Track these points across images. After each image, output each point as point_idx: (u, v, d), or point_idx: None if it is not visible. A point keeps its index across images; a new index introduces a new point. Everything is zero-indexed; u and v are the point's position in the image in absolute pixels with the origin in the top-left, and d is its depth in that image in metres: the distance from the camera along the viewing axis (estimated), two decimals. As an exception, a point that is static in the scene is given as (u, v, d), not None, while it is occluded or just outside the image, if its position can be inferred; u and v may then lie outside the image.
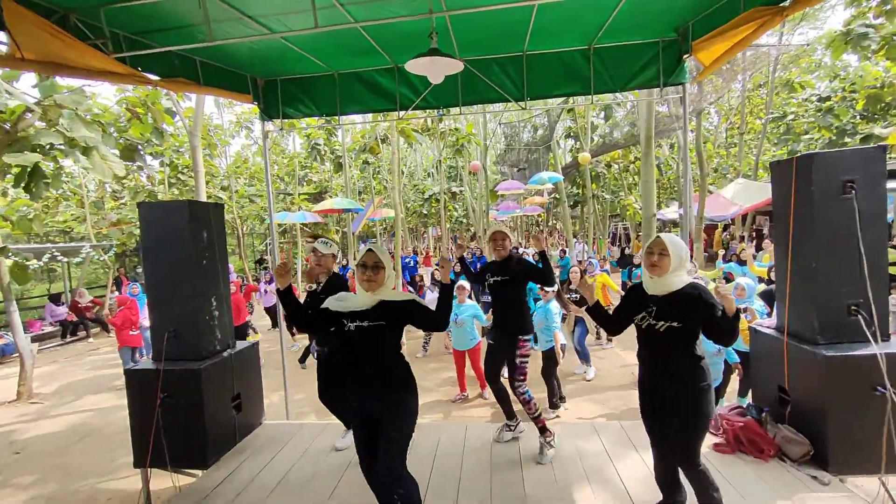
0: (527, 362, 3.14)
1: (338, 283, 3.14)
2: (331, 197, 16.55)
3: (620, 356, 6.83)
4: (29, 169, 3.70)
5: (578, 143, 13.52)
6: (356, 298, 2.17)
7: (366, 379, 2.12)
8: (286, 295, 2.24)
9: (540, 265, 3.05)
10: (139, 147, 5.63)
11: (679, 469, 2.22)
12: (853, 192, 2.72)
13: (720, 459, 2.95)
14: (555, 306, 4.55)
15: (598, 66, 3.91)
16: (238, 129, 14.80)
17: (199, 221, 3.38)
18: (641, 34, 3.77)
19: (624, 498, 2.66)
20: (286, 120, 4.38)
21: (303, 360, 7.09)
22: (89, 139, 3.94)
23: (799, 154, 2.94)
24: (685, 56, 3.73)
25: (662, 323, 2.07)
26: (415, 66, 2.56)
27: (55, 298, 10.95)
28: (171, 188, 12.28)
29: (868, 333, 2.71)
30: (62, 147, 3.94)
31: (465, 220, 17.48)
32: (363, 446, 2.14)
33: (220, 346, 3.56)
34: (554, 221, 27.69)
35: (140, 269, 14.52)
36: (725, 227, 16.22)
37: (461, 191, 12.62)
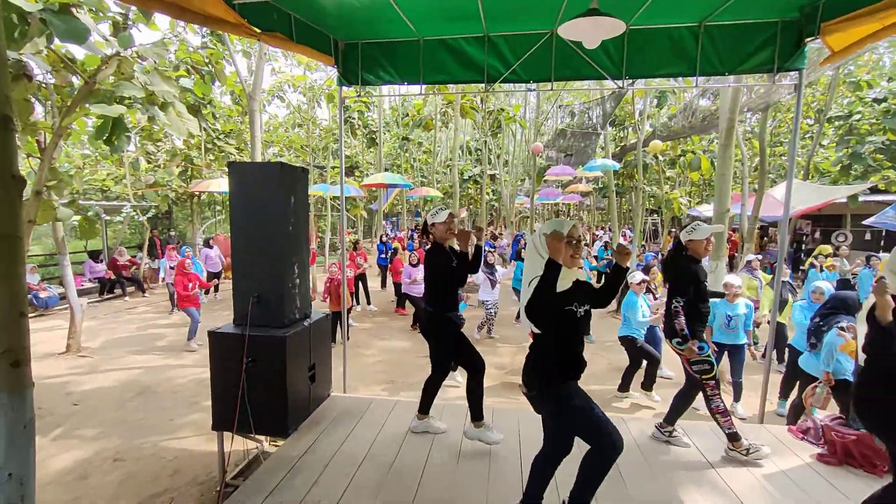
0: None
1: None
2: (362, 172, 16.41)
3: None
4: (112, 121, 3.60)
5: (624, 131, 13.14)
6: (563, 279, 2.04)
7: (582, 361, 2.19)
8: None
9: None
10: (201, 107, 5.49)
11: None
12: None
13: (828, 471, 2.81)
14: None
15: (707, 46, 3.64)
16: (271, 96, 14.59)
17: (288, 185, 3.26)
18: (759, 12, 3.48)
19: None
20: (365, 86, 4.20)
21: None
22: (167, 94, 3.82)
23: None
24: (807, 39, 3.45)
25: None
26: (570, 30, 2.36)
27: (94, 256, 11.07)
28: (207, 153, 12.21)
29: None
30: (141, 102, 3.83)
31: (496, 204, 17.25)
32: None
33: (300, 315, 3.48)
34: (578, 212, 27.29)
35: (172, 233, 14.61)
36: (763, 230, 15.78)
37: (497, 174, 12.35)
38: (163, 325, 8.21)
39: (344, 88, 4.28)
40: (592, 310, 2.22)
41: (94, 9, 3.97)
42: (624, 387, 5.01)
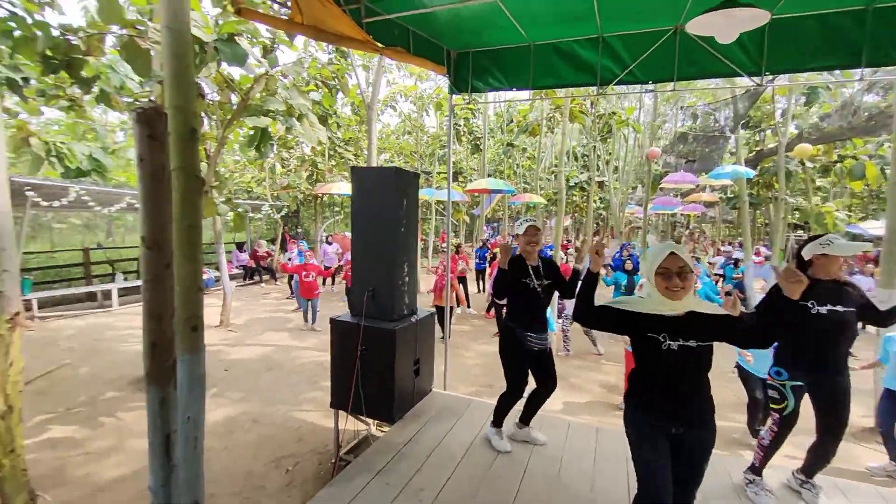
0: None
1: (552, 268, 3.06)
2: (465, 178, 16.86)
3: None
4: (261, 131, 4.32)
5: (760, 134, 11.55)
6: (651, 302, 1.88)
7: (683, 403, 1.87)
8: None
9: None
10: (326, 117, 6.22)
11: None
12: None
13: None
14: None
15: (879, 31, 3.08)
16: (385, 106, 15.74)
17: (402, 189, 3.54)
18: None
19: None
20: (474, 93, 4.37)
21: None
22: (303, 107, 4.44)
23: None
24: None
25: None
26: (700, 26, 2.23)
27: (240, 246, 13.08)
28: (330, 159, 13.65)
29: None
30: (282, 114, 4.50)
31: (603, 213, 16.42)
32: (664, 473, 1.83)
33: (408, 311, 3.75)
34: (699, 224, 24.62)
35: (299, 230, 16.57)
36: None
37: (606, 181, 11.74)
38: (289, 310, 9.37)
39: (454, 96, 4.50)
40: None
41: (250, 36, 4.78)
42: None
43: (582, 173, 14.44)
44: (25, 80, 4.50)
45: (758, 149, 10.86)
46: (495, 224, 22.89)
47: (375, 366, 3.42)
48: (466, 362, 6.40)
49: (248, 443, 4.04)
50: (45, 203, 7.81)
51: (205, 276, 10.43)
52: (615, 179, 13.27)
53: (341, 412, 3.60)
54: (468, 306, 9.47)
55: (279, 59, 4.65)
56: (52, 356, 6.06)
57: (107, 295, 9.14)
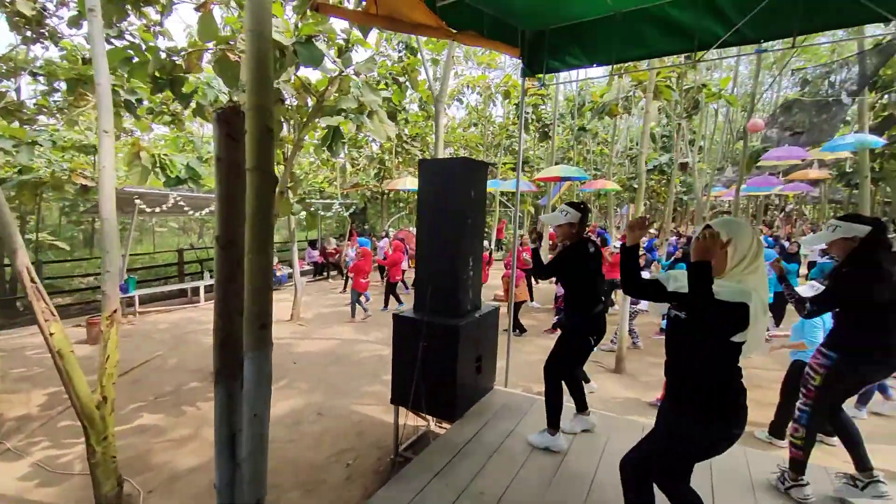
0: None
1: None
2: (532, 167, 16.27)
3: None
4: (332, 130, 4.32)
5: (889, 97, 9.71)
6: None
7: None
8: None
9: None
10: (396, 113, 6.16)
11: None
12: None
13: None
14: None
15: None
16: (451, 100, 15.60)
17: (468, 180, 3.34)
18: None
19: None
20: (549, 73, 4.00)
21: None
22: (373, 103, 4.36)
23: None
24: None
25: None
26: None
27: (312, 244, 13.70)
28: (397, 156, 13.82)
29: None
30: (354, 112, 4.46)
31: (683, 197, 14.98)
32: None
33: (471, 307, 3.54)
34: (797, 206, 21.70)
35: (366, 226, 17.07)
36: None
37: (689, 162, 10.51)
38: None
39: (526, 79, 4.17)
40: None
41: (326, 37, 4.80)
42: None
43: (661, 155, 13.19)
44: (139, 101, 4.97)
45: (885, 113, 9.05)
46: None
47: (437, 362, 3.26)
48: (528, 358, 6.07)
49: (312, 434, 4.08)
50: (148, 209, 8.66)
51: (278, 273, 11.02)
52: (700, 160, 11.86)
53: (401, 408, 3.48)
54: (531, 300, 9.06)
55: (353, 59, 4.61)
56: (148, 347, 6.65)
57: (195, 291, 9.95)
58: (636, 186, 6.81)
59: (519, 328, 7.24)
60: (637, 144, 16.77)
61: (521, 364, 5.80)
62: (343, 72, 4.26)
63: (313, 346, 6.78)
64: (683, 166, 9.69)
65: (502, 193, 14.83)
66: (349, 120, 4.38)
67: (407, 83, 5.71)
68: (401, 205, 18.74)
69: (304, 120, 4.77)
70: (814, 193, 16.89)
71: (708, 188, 11.20)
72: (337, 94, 4.34)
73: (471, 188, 3.32)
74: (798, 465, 2.44)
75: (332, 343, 6.91)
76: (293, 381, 5.39)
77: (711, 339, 1.63)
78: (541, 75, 3.90)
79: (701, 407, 1.67)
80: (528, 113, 12.64)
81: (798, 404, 2.54)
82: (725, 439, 1.65)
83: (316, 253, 13.26)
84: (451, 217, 3.30)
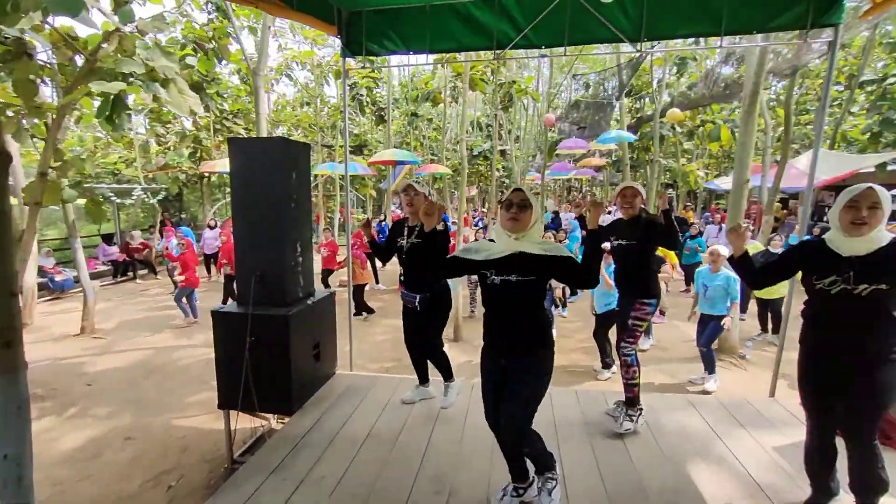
0: (640, 326, 2.89)
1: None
2: (370, 151, 16.19)
3: (680, 329, 6.52)
4: (112, 99, 3.49)
5: (640, 101, 12.62)
6: (495, 246, 1.97)
7: (505, 334, 2.02)
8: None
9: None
10: (204, 84, 5.35)
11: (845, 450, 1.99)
12: None
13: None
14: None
15: (736, 1, 3.35)
16: (279, 74, 14.35)
17: (291, 161, 3.17)
18: (793, -39, 3.18)
19: (746, 480, 2.44)
20: (369, 56, 4.02)
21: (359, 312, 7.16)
22: (168, 69, 3.69)
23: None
24: (845, -11, 3.15)
25: (865, 286, 1.79)
26: None
27: (107, 239, 11.19)
28: (216, 134, 12.12)
29: None
30: (142, 78, 3.72)
31: (506, 181, 16.93)
32: (493, 402, 2.11)
33: (303, 294, 3.42)
34: (591, 187, 26.72)
35: (183, 215, 14.72)
36: (784, 202, 15.28)
37: (508, 150, 11.99)
38: (174, 305, 8.29)
39: (349, 61, 4.10)
40: None
41: None
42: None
43: (486, 143, 14.68)
44: None
45: (638, 115, 11.93)
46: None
47: (268, 356, 3.08)
48: (375, 339, 6.22)
49: (119, 463, 3.46)
50: None
51: (58, 278, 8.80)
52: (517, 148, 13.68)
53: (233, 412, 3.21)
54: (377, 282, 9.24)
55: (139, 15, 3.78)
56: None
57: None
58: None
59: (366, 310, 7.32)
60: (466, 132, 18.17)
61: (369, 346, 5.90)
62: (119, 28, 3.51)
63: (117, 360, 5.65)
64: (503, 153, 10.97)
65: (342, 177, 14.47)
66: (137, 87, 3.66)
67: (216, 51, 4.99)
68: (227, 189, 16.68)
69: (70, 83, 3.81)
70: (599, 177, 21.03)
71: (524, 173, 12.93)
72: (115, 56, 3.57)
73: (292, 170, 3.17)
74: (637, 399, 2.93)
75: (144, 354, 5.87)
76: (88, 406, 4.44)
77: (543, 288, 1.98)
78: (361, 57, 3.90)
79: (541, 342, 2.01)
80: (362, 95, 12.49)
81: (625, 350, 2.89)
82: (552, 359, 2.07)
83: (114, 249, 10.91)
84: (273, 202, 3.11)
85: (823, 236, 1.98)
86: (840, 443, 2.06)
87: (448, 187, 16.33)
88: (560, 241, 7.31)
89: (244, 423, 3.44)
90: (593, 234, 1.97)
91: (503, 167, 15.67)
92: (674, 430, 2.95)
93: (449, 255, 2.11)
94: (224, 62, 8.74)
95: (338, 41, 3.92)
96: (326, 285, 8.58)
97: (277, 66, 13.60)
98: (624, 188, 2.88)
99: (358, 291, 7.17)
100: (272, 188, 3.09)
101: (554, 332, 5.74)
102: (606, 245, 3.05)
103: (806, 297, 2.05)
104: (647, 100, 11.62)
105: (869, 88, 10.10)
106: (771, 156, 9.48)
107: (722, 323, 4.47)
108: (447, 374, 3.21)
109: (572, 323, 6.99)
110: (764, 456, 2.66)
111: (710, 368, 4.65)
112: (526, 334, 1.99)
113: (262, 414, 3.48)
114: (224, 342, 3.15)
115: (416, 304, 2.99)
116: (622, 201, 2.86)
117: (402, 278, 3.09)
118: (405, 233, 2.96)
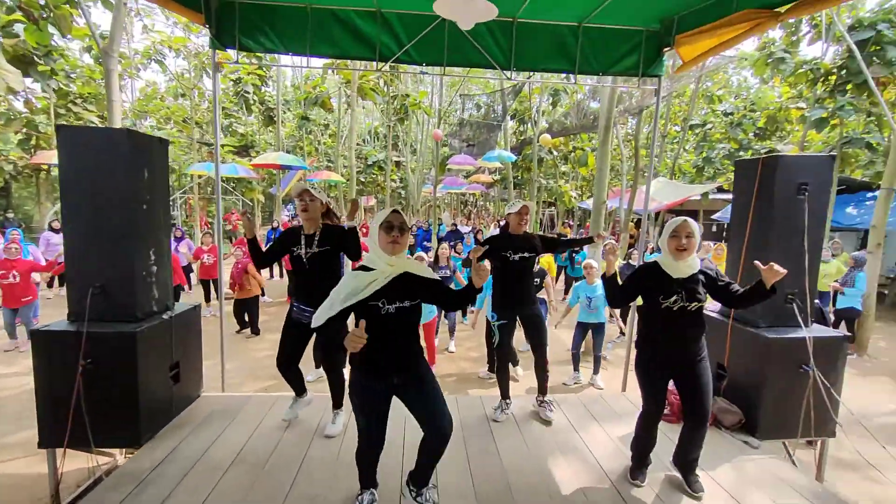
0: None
1: (334, 234, 2.80)
2: (258, 152, 15.07)
3: (554, 334, 7.19)
4: None
5: (522, 125, 13.80)
6: (373, 273, 1.93)
7: (399, 354, 2.06)
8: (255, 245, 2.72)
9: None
10: (35, 59, 4.49)
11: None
12: (805, 193, 3.05)
13: (669, 428, 3.22)
14: None
15: (585, 46, 3.89)
16: (147, 59, 12.70)
17: (141, 157, 2.82)
18: (628, 20, 3.81)
19: (595, 469, 2.78)
20: (243, 52, 3.79)
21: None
22: None
23: (765, 155, 3.22)
24: (665, 49, 3.86)
25: (695, 304, 2.23)
26: (444, 7, 2.30)
27: None
28: (59, 119, 10.23)
29: (800, 319, 3.11)
30: None
31: (403, 192, 17.08)
32: (382, 422, 2.14)
33: (158, 308, 3.05)
34: (485, 203, 28.29)
35: (10, 214, 12.13)
36: (637, 223, 17.93)
37: (403, 161, 12.15)
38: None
39: (230, 54, 3.82)
40: None
41: None
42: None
43: (381, 153, 14.71)
44: None
45: (522, 138, 13.09)
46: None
47: (109, 381, 2.68)
48: (256, 355, 5.78)
49: None
50: None
51: None
52: (413, 160, 13.97)
53: (59, 451, 2.72)
54: (262, 294, 8.59)
55: None
56: None
57: None
58: (363, 179, 7.36)
59: (252, 327, 6.68)
60: (364, 141, 18.07)
61: (250, 364, 5.44)
62: None
63: None
64: (398, 164, 11.11)
65: (224, 179, 13.25)
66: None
67: (51, 21, 4.20)
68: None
69: None
70: (492, 193, 22.42)
71: (420, 185, 13.22)
72: None
73: (142, 167, 2.83)
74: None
75: (-61, 388, 4.67)
76: None
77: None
78: (233, 52, 3.68)
79: (422, 350, 2.14)
80: (248, 93, 11.65)
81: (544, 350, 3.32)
82: None
83: None
84: (117, 203, 2.73)
85: (656, 259, 2.38)
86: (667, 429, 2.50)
87: (342, 195, 15.95)
88: (458, 254, 7.50)
89: (82, 462, 2.93)
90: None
91: (399, 178, 15.84)
92: (539, 427, 3.24)
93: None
94: (70, 37, 7.48)
95: (202, 27, 3.64)
96: (208, 299, 7.75)
97: (144, 50, 12.05)
98: (524, 206, 3.14)
99: (253, 303, 6.56)
100: (115, 186, 2.71)
101: (452, 343, 6.01)
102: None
103: (645, 311, 2.42)
104: (528, 124, 12.83)
105: (696, 131, 12.44)
106: (627, 181, 11.07)
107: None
108: (339, 401, 3.07)
109: (462, 332, 7.27)
110: (610, 444, 3.05)
111: (595, 368, 5.18)
112: (416, 347, 2.09)
113: (104, 450, 3.01)
114: (46, 368, 2.66)
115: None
116: (522, 218, 3.12)
117: (294, 291, 2.92)
118: (302, 241, 2.75)
